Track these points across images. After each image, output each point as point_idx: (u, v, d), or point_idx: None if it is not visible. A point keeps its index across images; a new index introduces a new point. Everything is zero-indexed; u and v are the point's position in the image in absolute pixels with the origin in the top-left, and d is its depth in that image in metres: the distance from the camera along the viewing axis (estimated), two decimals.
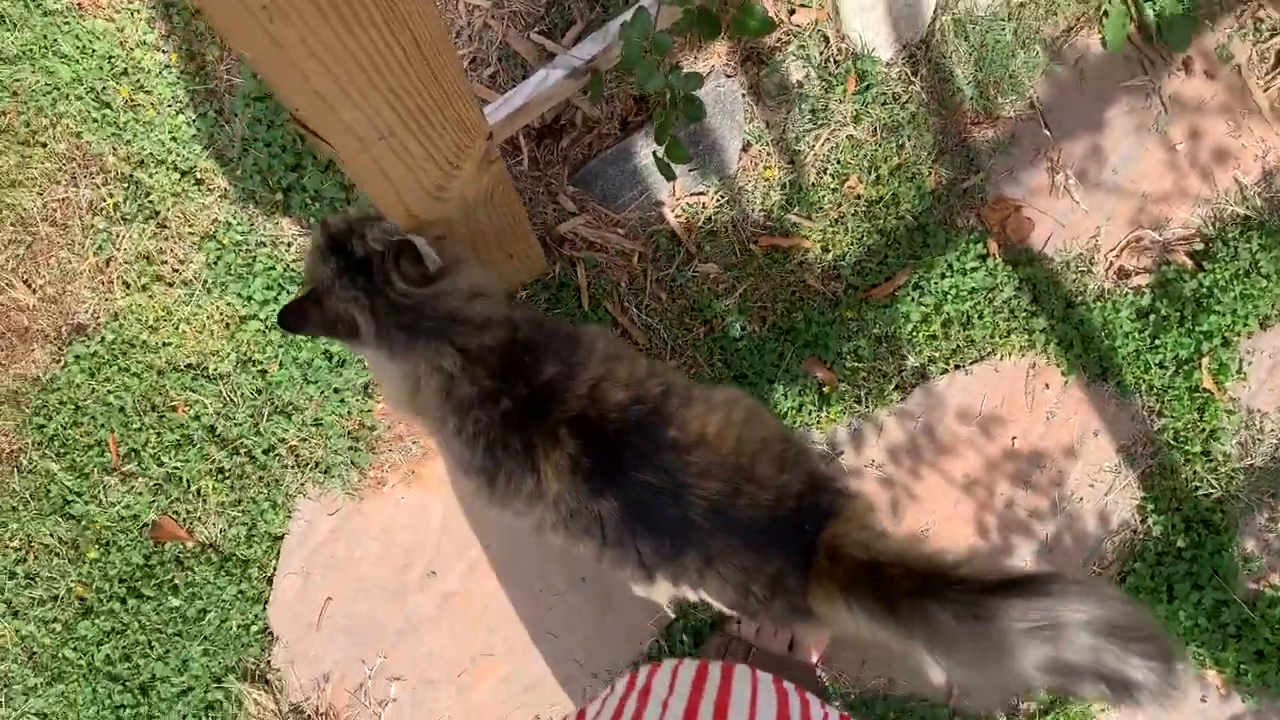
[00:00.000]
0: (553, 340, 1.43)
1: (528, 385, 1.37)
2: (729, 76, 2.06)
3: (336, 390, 2.03)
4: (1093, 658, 0.98)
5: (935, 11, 2.08)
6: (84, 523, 2.05)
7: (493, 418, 1.37)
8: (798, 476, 1.34)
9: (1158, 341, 2.06)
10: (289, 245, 2.03)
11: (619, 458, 1.32)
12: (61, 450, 2.06)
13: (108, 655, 2.04)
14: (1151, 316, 2.07)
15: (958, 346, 2.08)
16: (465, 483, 1.46)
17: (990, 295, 2.08)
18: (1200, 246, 2.11)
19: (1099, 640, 0.98)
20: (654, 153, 1.91)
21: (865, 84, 2.07)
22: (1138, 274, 2.12)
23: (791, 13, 2.05)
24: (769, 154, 2.08)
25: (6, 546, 2.05)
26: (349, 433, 2.05)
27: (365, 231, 1.38)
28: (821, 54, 2.07)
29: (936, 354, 2.08)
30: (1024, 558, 2.03)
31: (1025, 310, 2.08)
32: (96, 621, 2.04)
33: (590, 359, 1.40)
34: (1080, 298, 2.10)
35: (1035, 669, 1.01)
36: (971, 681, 1.14)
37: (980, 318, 2.08)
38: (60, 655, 2.04)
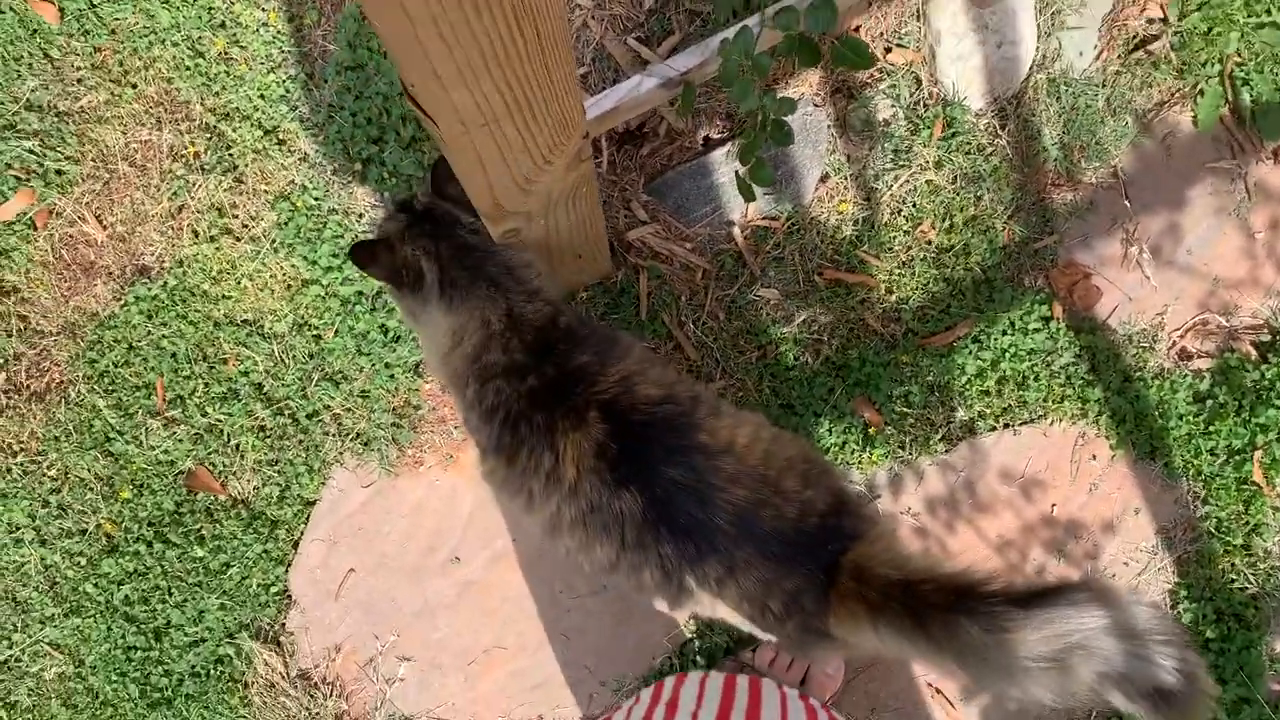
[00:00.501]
0: (592, 335, 1.45)
1: (557, 368, 1.38)
2: (817, 106, 2.05)
3: (388, 365, 2.04)
4: (1120, 662, 0.99)
5: (1031, 68, 2.07)
6: (122, 462, 2.06)
7: (517, 391, 1.37)
8: (822, 495, 1.34)
9: (1212, 428, 2.03)
10: (360, 216, 2.05)
11: (647, 451, 1.31)
12: (110, 388, 2.07)
13: (127, 596, 2.06)
14: (1209, 402, 2.05)
15: (1009, 406, 2.06)
16: (483, 467, 1.45)
17: (1049, 359, 2.06)
18: (1267, 338, 2.08)
19: (1124, 644, 0.99)
20: (736, 171, 1.91)
21: (952, 131, 2.06)
22: (1200, 357, 2.09)
23: (888, 50, 2.05)
24: (846, 187, 2.07)
25: (44, 474, 2.07)
26: (394, 409, 2.05)
27: (418, 193, 1.42)
28: (912, 95, 2.06)
29: (987, 410, 2.06)
30: None
31: (1082, 379, 2.06)
32: (120, 561, 2.05)
33: (626, 357, 1.42)
34: (1139, 373, 2.08)
35: (1064, 679, 1.03)
36: (1004, 692, 1.14)
37: (1036, 380, 2.06)
38: (81, 589, 2.05)
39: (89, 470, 2.06)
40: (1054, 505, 2.06)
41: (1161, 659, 0.98)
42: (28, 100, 2.11)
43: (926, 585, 1.17)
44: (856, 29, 2.02)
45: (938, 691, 1.99)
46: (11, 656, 2.06)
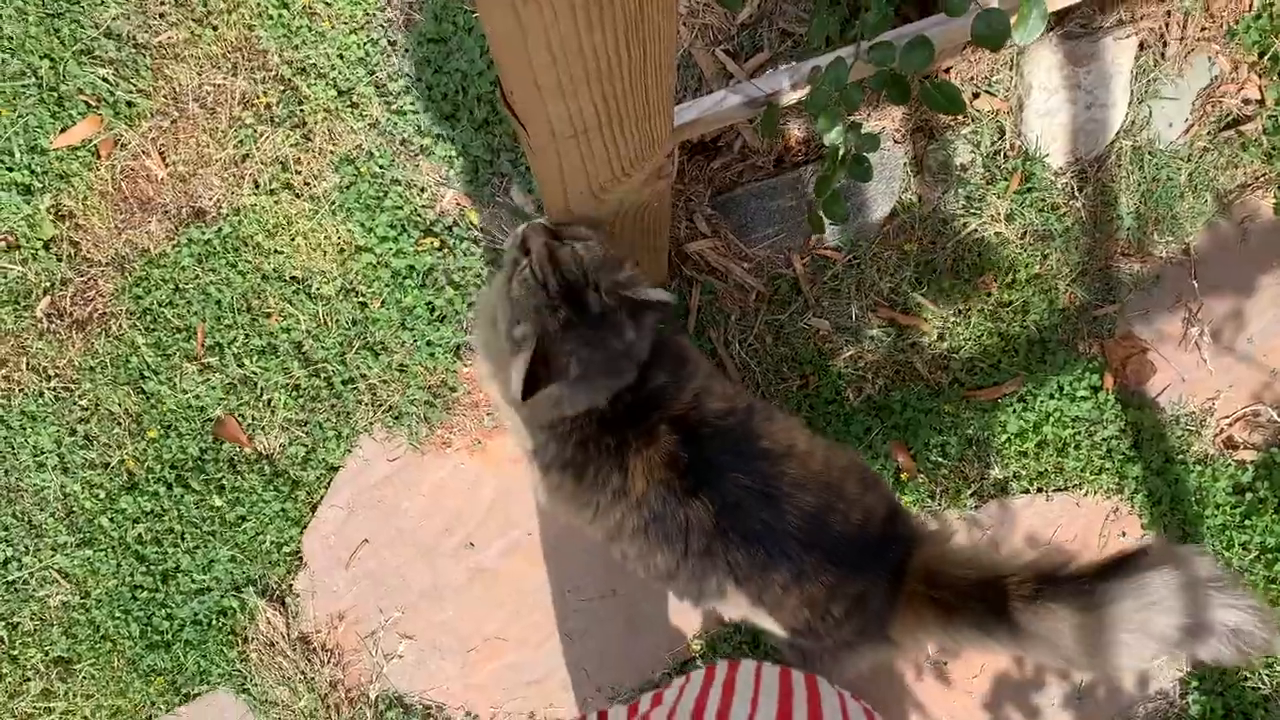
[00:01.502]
0: (665, 352, 1.43)
1: (634, 393, 1.36)
2: (896, 142, 2.02)
3: (430, 343, 2.02)
4: (1193, 610, 1.09)
5: (1117, 134, 2.03)
6: (153, 401, 2.06)
7: (591, 416, 1.36)
8: (880, 499, 1.38)
9: (1249, 522, 2.00)
10: (422, 190, 2.03)
11: (716, 459, 1.32)
12: (151, 326, 2.07)
13: (140, 535, 2.06)
14: (1249, 495, 2.01)
15: (1046, 470, 2.03)
16: (544, 480, 1.44)
17: (1092, 429, 2.03)
18: None
19: (1192, 594, 1.09)
20: (809, 201, 1.88)
21: (1028, 186, 2.02)
22: (1246, 448, 2.05)
23: (975, 96, 2.01)
24: (913, 227, 2.04)
25: (75, 403, 2.07)
26: (429, 387, 2.04)
27: (600, 282, 1.27)
28: (993, 144, 2.02)
29: (1023, 471, 2.03)
30: (1052, 698, 1.98)
31: (1123, 453, 2.03)
32: (138, 499, 2.05)
33: (696, 374, 1.42)
34: (1181, 456, 2.04)
35: (1147, 639, 1.13)
36: (1092, 668, 1.25)
37: (1076, 448, 2.03)
38: (96, 522, 2.06)
39: (120, 405, 2.06)
40: None
41: (1228, 600, 1.09)
42: (108, 28, 2.10)
43: (1008, 579, 1.23)
44: (948, 70, 1.98)
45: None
46: (20, 578, 2.06)
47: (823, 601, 1.32)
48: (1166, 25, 1.99)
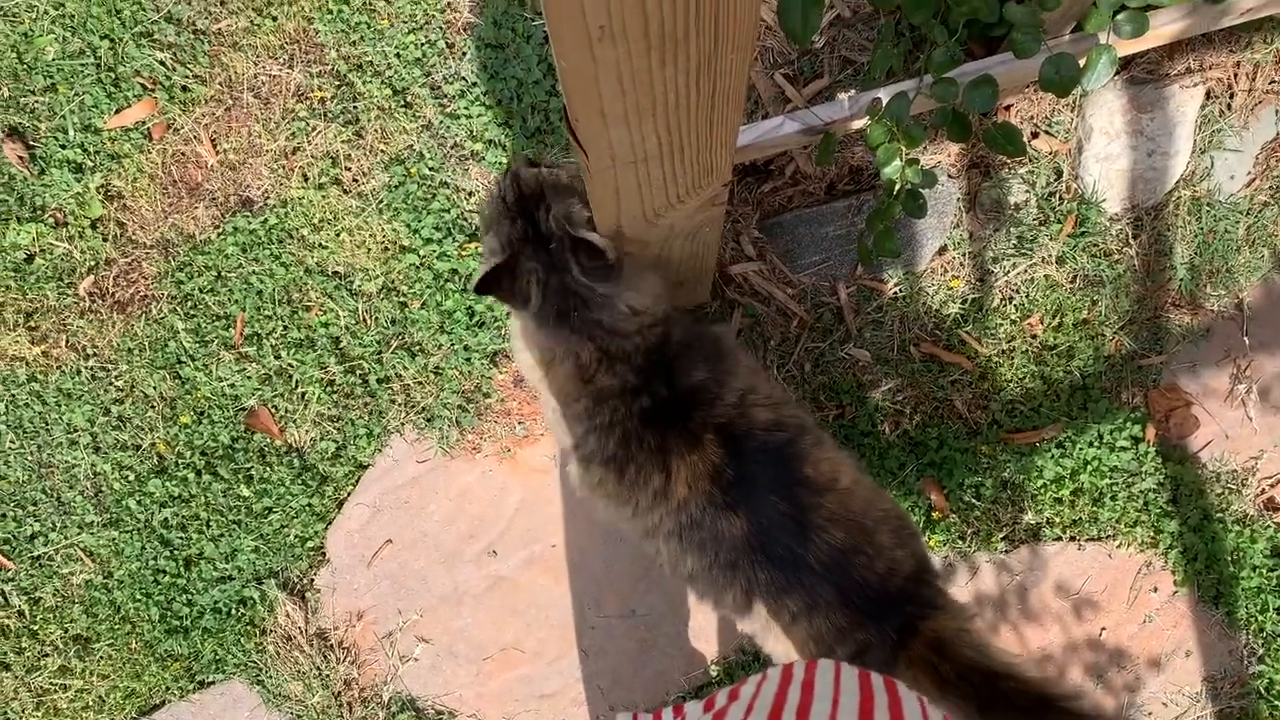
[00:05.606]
0: (701, 345, 1.43)
1: (669, 387, 1.37)
2: (951, 178, 1.99)
3: (467, 348, 2.01)
4: None
5: (1177, 183, 1.99)
6: (188, 387, 2.06)
7: (630, 410, 1.36)
8: (909, 556, 1.35)
9: None
10: (470, 195, 2.02)
11: (758, 478, 1.32)
12: (191, 312, 2.07)
13: (166, 519, 2.06)
14: None
15: (1080, 519, 2.00)
16: (585, 475, 1.43)
17: (1131, 480, 2.00)
18: None
19: None
20: (861, 234, 1.86)
21: (1082, 230, 1.99)
22: None
23: (1034, 135, 1.98)
24: (962, 264, 2.01)
25: (111, 383, 2.07)
26: (463, 391, 2.03)
27: (553, 204, 1.36)
28: (1048, 185, 1.99)
29: (1056, 519, 2.00)
30: None
31: (1160, 508, 1.99)
32: (167, 484, 2.06)
33: (737, 370, 1.41)
34: (1220, 515, 2.00)
35: None
36: None
37: (1113, 498, 2.00)
38: (124, 503, 2.06)
39: (155, 389, 2.06)
40: (1104, 629, 2.00)
41: None
42: (169, 12, 2.10)
43: (1009, 682, 1.19)
44: (1008, 108, 1.95)
45: None
46: (45, 554, 2.07)
47: (829, 640, 1.30)
48: (1235, 76, 1.96)
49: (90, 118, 2.09)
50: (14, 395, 2.08)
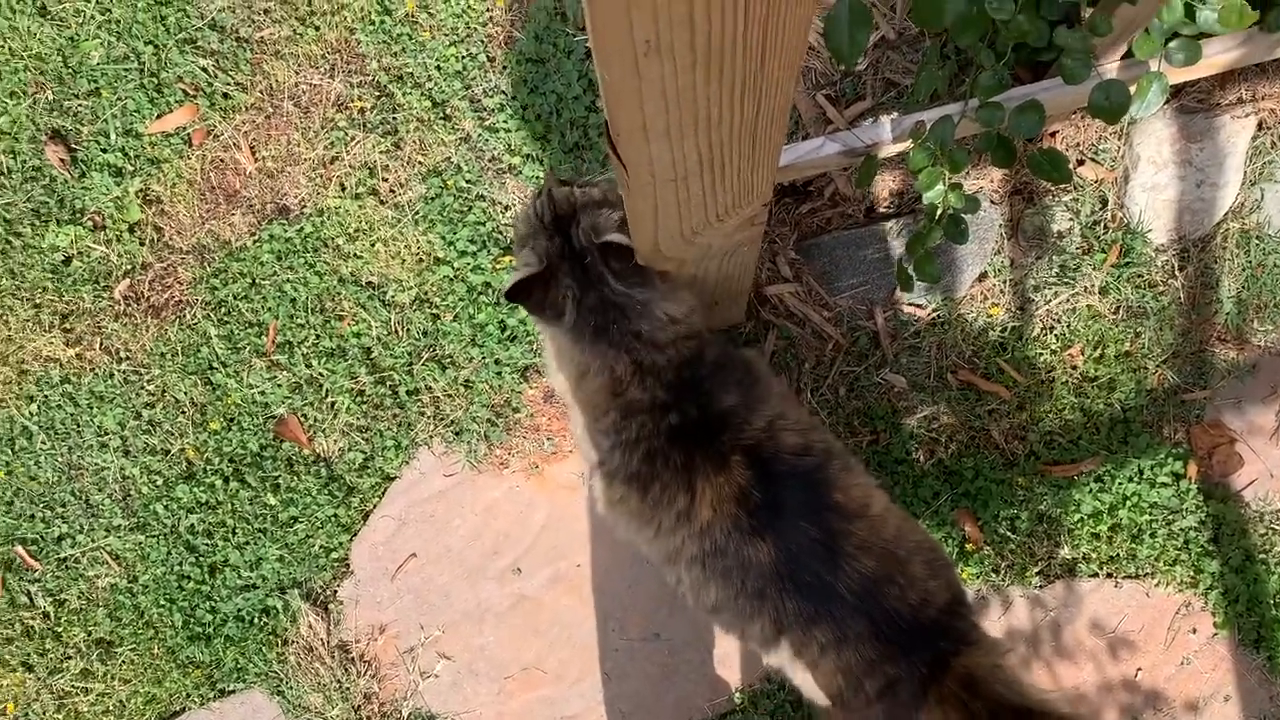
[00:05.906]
0: (733, 370, 1.41)
1: (700, 408, 1.35)
2: (994, 204, 1.96)
3: (498, 362, 2.00)
4: None
5: (1225, 215, 1.95)
6: (219, 393, 2.07)
7: (658, 427, 1.34)
8: (944, 587, 1.31)
9: None
10: (506, 208, 2.01)
11: (787, 502, 1.29)
12: (224, 318, 2.08)
13: (193, 525, 2.06)
14: None
15: (1117, 555, 1.95)
16: (607, 491, 1.41)
17: (1171, 517, 1.95)
18: None
19: None
20: (900, 259, 1.83)
21: (1126, 260, 1.95)
22: None
23: (1080, 163, 1.95)
24: (1003, 291, 1.98)
25: (143, 387, 2.08)
26: (493, 405, 2.02)
27: (582, 219, 1.36)
28: (1093, 214, 1.96)
29: (1093, 554, 1.95)
30: None
31: (1201, 546, 1.94)
32: (194, 489, 2.06)
33: (768, 398, 1.39)
34: (1263, 555, 1.95)
35: None
36: None
37: (1152, 535, 1.95)
38: (151, 508, 2.06)
39: (186, 394, 2.07)
40: (1140, 670, 1.94)
41: None
42: (213, 19, 2.12)
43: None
44: (1054, 134, 1.92)
45: None
46: (71, 556, 2.08)
47: (857, 673, 1.27)
48: None
49: (132, 122, 2.11)
50: (47, 396, 2.09)
